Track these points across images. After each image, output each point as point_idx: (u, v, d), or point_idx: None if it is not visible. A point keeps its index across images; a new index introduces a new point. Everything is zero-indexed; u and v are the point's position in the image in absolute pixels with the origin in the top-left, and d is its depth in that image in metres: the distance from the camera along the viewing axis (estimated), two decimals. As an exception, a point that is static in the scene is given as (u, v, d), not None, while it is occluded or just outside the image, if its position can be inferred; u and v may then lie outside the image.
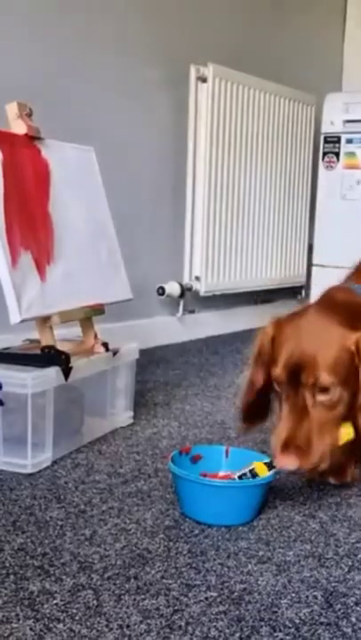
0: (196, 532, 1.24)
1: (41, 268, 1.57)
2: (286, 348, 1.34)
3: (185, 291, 2.91)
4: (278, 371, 1.33)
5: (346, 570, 1.13)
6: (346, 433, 1.34)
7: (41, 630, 0.93)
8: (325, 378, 1.30)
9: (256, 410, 1.45)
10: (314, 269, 3.38)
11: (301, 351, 1.31)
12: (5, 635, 0.92)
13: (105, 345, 1.76)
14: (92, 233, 1.80)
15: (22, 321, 1.48)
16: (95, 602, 1.01)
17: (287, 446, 1.28)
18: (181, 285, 2.89)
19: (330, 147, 3.37)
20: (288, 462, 1.28)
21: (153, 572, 1.10)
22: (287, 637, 0.94)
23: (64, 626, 0.95)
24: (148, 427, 1.83)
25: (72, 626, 0.95)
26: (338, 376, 1.31)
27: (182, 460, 1.38)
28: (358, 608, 1.02)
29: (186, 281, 2.94)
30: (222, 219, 3.01)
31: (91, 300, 1.72)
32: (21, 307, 1.47)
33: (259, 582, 1.08)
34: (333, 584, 1.09)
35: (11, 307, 1.47)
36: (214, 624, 0.96)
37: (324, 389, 1.31)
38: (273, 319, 1.42)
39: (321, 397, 1.31)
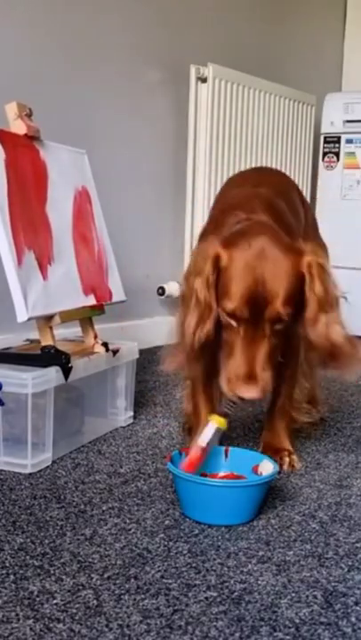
0: (196, 531, 1.24)
1: (43, 267, 1.57)
2: (243, 279, 1.32)
3: (185, 291, 2.91)
4: (237, 304, 1.32)
5: (346, 570, 1.13)
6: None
7: (41, 630, 0.93)
8: (286, 310, 1.32)
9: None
10: (314, 269, 3.38)
11: (261, 284, 1.31)
12: (5, 635, 0.92)
13: (105, 345, 1.76)
14: (86, 235, 1.80)
15: (29, 319, 1.49)
16: (95, 602, 1.01)
17: (250, 377, 1.31)
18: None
19: (330, 147, 3.37)
20: (254, 392, 1.31)
21: (153, 571, 1.10)
22: (287, 637, 0.94)
23: (64, 626, 0.95)
24: (148, 427, 1.83)
25: (72, 626, 0.95)
26: (293, 304, 1.34)
27: (182, 460, 1.38)
28: (358, 608, 1.02)
29: (186, 281, 2.94)
30: (222, 219, 3.00)
31: (89, 301, 1.73)
32: (28, 305, 1.48)
33: (259, 582, 1.08)
34: (333, 584, 1.09)
35: (18, 305, 1.47)
36: (214, 624, 0.96)
37: (282, 320, 1.33)
38: (214, 242, 1.38)
39: (278, 327, 1.33)
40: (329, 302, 1.39)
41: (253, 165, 3.11)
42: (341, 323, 1.42)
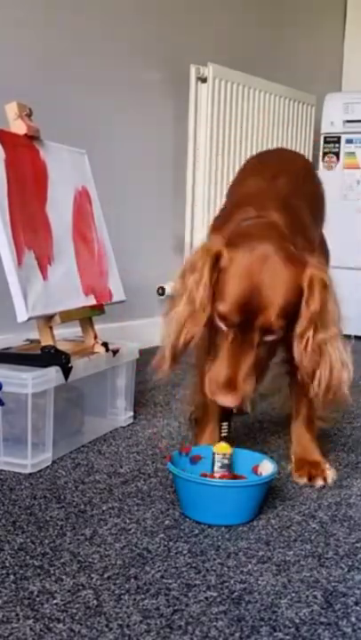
0: (196, 531, 1.24)
1: (43, 267, 1.57)
2: (240, 283, 1.28)
3: (185, 291, 2.91)
4: (229, 308, 1.27)
5: (346, 570, 1.13)
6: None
7: (41, 630, 0.93)
8: (279, 322, 1.27)
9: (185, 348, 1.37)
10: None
11: (256, 291, 1.26)
12: (5, 635, 0.92)
13: (105, 345, 1.76)
14: (86, 235, 1.80)
15: (29, 319, 1.49)
16: (95, 602, 1.01)
17: (229, 385, 1.27)
18: (181, 285, 2.89)
19: (330, 147, 3.37)
20: (231, 400, 1.28)
21: (153, 571, 1.10)
22: (287, 637, 0.94)
23: (64, 626, 0.95)
24: (148, 427, 1.83)
25: (72, 626, 0.95)
26: (287, 317, 1.29)
27: (182, 460, 1.38)
28: (358, 608, 1.02)
29: (186, 281, 2.94)
30: (222, 219, 3.00)
31: (89, 301, 1.73)
32: (27, 305, 1.48)
33: (259, 582, 1.08)
34: (333, 584, 1.08)
35: (18, 305, 1.47)
36: (214, 624, 0.96)
37: (273, 331, 1.28)
38: (218, 240, 1.33)
39: (268, 338, 1.29)
40: (323, 320, 1.31)
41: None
42: (338, 347, 1.33)
